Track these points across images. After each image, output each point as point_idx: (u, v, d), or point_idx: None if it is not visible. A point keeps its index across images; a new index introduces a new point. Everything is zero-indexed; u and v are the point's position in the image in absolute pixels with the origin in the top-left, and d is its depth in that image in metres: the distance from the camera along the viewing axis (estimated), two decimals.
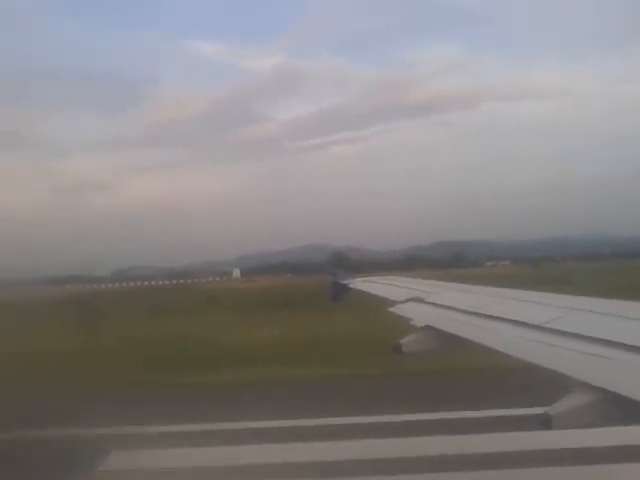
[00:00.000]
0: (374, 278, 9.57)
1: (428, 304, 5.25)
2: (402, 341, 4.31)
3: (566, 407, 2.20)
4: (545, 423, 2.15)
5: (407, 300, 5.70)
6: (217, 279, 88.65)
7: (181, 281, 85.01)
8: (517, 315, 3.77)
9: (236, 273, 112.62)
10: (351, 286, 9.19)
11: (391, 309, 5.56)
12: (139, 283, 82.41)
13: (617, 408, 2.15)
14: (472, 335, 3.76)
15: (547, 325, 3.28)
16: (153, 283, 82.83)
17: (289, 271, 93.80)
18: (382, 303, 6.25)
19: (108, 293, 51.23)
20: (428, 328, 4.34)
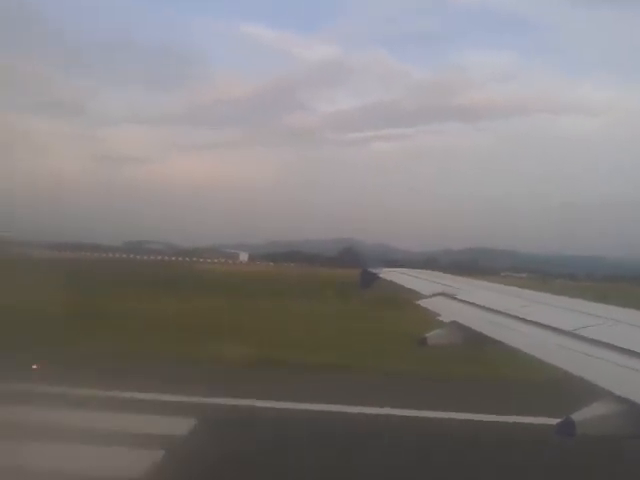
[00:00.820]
0: (404, 270, 9.51)
1: (456, 300, 5.22)
2: (427, 334, 4.31)
3: (590, 415, 2.17)
4: (568, 429, 2.13)
5: (435, 294, 5.67)
6: (221, 261, 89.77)
7: (187, 259, 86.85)
8: (546, 319, 3.72)
9: (243, 257, 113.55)
10: (381, 275, 9.15)
11: (419, 302, 5.53)
12: (145, 257, 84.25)
13: None
14: (498, 334, 3.73)
15: (576, 332, 3.23)
16: (159, 258, 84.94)
17: (301, 260, 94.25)
18: (410, 295, 6.22)
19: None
20: (454, 324, 4.32)
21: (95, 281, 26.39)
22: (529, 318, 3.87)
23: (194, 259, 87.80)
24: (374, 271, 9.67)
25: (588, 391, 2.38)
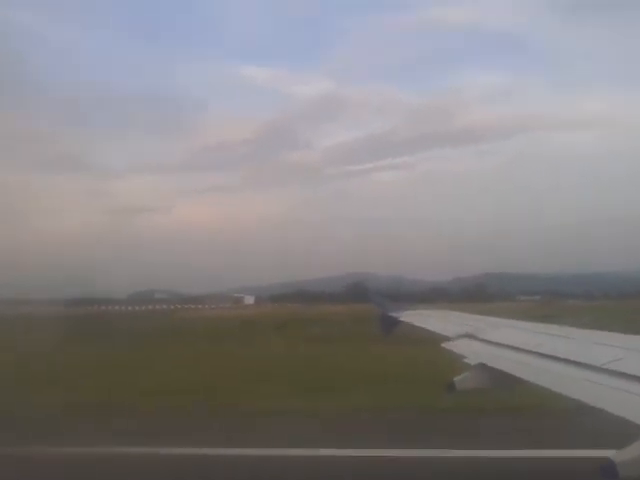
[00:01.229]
0: (425, 312, 9.45)
1: (482, 341, 5.17)
2: (455, 379, 4.27)
3: (632, 455, 2.14)
4: (609, 470, 2.09)
5: (460, 336, 5.63)
6: (225, 306, 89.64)
7: (192, 306, 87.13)
8: (574, 355, 3.68)
9: (248, 300, 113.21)
10: (401, 319, 9.10)
11: (443, 345, 5.50)
12: (150, 307, 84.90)
13: None
14: (527, 374, 3.70)
15: (607, 366, 3.19)
16: (164, 307, 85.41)
17: (305, 300, 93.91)
18: (434, 338, 6.18)
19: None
20: (481, 366, 4.28)
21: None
22: (557, 355, 3.83)
23: (199, 306, 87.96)
24: (395, 315, 9.61)
25: (626, 429, 2.35)
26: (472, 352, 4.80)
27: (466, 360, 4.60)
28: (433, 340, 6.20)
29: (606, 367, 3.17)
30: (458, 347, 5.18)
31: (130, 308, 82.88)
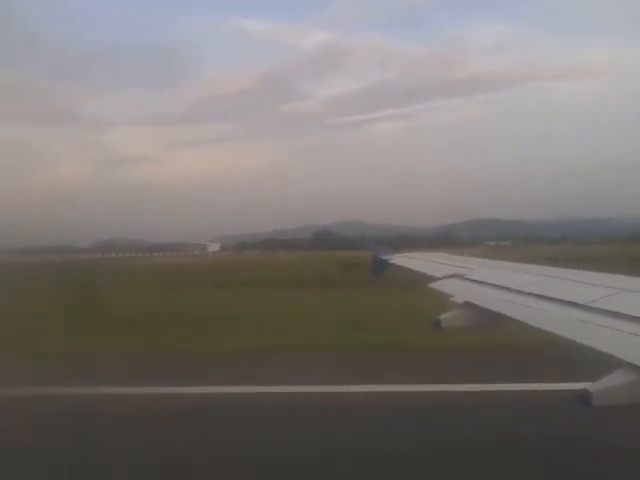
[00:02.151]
0: (414, 254, 9.54)
1: (468, 280, 5.23)
2: (441, 317, 4.33)
3: (607, 385, 2.20)
4: (584, 400, 2.16)
5: (447, 276, 5.69)
6: (187, 254, 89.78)
7: (153, 254, 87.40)
8: (560, 294, 3.72)
9: (213, 248, 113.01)
10: (392, 262, 9.20)
11: (431, 285, 5.56)
12: (114, 255, 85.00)
13: None
14: (513, 312, 3.75)
15: (592, 304, 3.23)
16: (127, 255, 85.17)
17: (278, 247, 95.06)
18: (423, 279, 6.25)
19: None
20: (468, 304, 4.34)
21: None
22: (543, 294, 3.87)
23: (160, 254, 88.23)
24: (385, 257, 9.72)
25: (605, 363, 2.41)
26: (459, 291, 4.86)
27: (453, 299, 4.66)
28: (421, 280, 6.28)
29: (592, 305, 3.22)
30: (445, 287, 5.24)
31: (93, 256, 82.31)
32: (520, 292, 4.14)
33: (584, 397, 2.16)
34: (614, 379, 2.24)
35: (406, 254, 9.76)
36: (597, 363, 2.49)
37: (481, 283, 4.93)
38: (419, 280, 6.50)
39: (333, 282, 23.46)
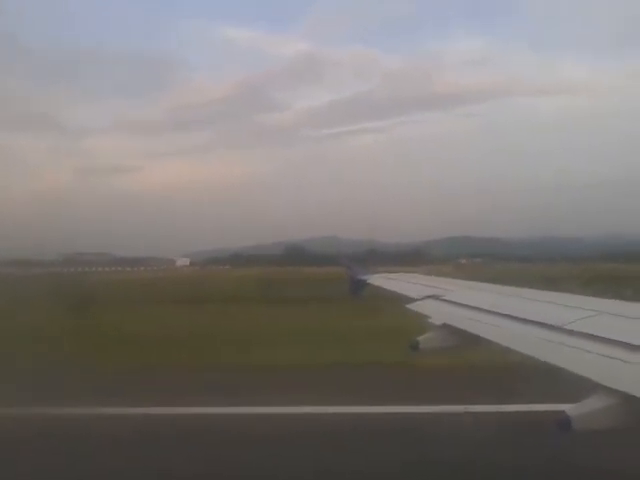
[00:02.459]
0: (391, 275, 9.57)
1: (445, 302, 5.25)
2: (419, 338, 4.32)
3: (586, 409, 2.20)
4: (563, 424, 2.15)
5: (425, 297, 5.70)
6: (154, 269, 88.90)
7: (119, 269, 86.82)
8: (536, 315, 3.75)
9: (181, 262, 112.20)
10: (369, 281, 9.20)
11: (409, 306, 5.56)
12: (80, 269, 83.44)
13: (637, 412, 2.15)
14: (490, 334, 3.76)
15: (567, 326, 3.26)
16: (93, 269, 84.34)
17: (239, 264, 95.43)
18: (401, 300, 6.25)
19: None
20: (446, 326, 4.34)
21: None
22: (518, 315, 3.90)
23: (127, 269, 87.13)
24: (363, 278, 9.72)
25: (583, 386, 2.42)
26: (436, 313, 4.86)
27: (430, 320, 4.66)
28: (398, 301, 6.27)
29: (567, 327, 3.25)
30: (422, 308, 5.24)
31: (59, 270, 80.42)
32: (497, 314, 4.17)
33: (564, 422, 2.15)
34: (592, 403, 2.24)
35: (383, 274, 9.78)
36: (573, 385, 2.50)
37: (458, 305, 4.95)
38: (397, 301, 6.50)
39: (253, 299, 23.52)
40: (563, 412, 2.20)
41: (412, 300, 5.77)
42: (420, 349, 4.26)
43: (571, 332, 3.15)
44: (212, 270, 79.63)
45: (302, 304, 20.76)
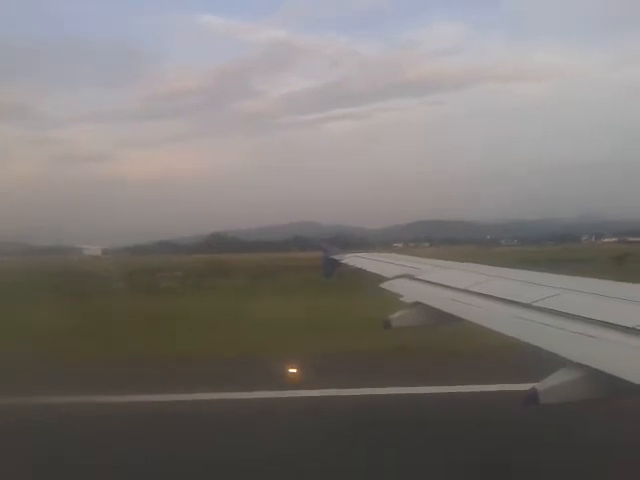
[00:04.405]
0: (365, 254, 9.60)
1: (418, 281, 5.28)
2: (391, 316, 4.35)
3: (553, 383, 2.24)
4: (532, 399, 2.19)
5: (398, 276, 5.73)
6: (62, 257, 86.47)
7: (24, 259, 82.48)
8: (506, 293, 3.80)
9: (91, 251, 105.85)
10: (343, 262, 9.22)
11: (382, 285, 5.58)
12: None
13: (603, 385, 2.19)
14: (461, 312, 3.80)
15: (535, 304, 3.30)
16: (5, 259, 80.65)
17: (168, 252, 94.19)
18: (374, 279, 6.27)
19: None
20: (418, 304, 4.37)
21: None
22: (488, 293, 3.95)
23: (29, 258, 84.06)
24: (336, 257, 9.73)
25: (551, 361, 2.45)
26: (408, 291, 4.89)
27: (403, 299, 4.69)
28: (371, 281, 6.30)
29: (536, 304, 3.29)
30: (395, 287, 5.27)
31: None
32: (467, 292, 4.21)
33: (532, 396, 2.18)
34: (559, 377, 2.28)
35: (356, 254, 9.80)
36: (542, 361, 2.54)
37: (430, 283, 4.99)
38: (371, 280, 6.52)
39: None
40: (532, 387, 2.23)
41: (384, 279, 5.81)
42: (392, 327, 4.29)
43: (539, 309, 3.20)
44: (117, 259, 74.31)
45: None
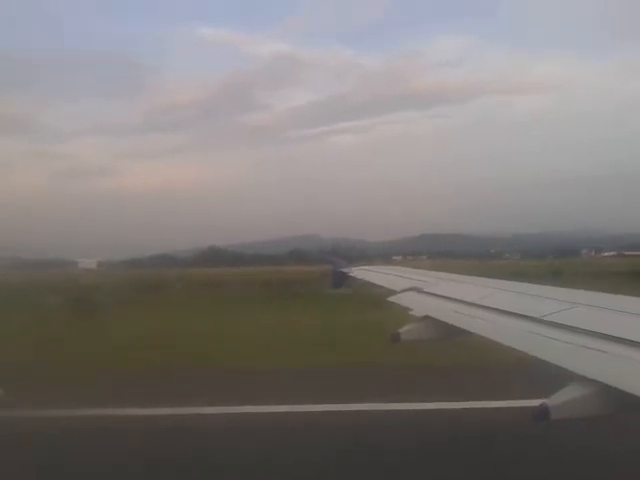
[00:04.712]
0: (372, 267, 9.61)
1: (427, 294, 5.28)
2: (400, 330, 4.35)
3: (564, 399, 2.23)
4: (542, 415, 2.18)
5: (406, 290, 5.73)
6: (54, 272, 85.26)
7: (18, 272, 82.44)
8: (516, 307, 3.79)
9: (86, 264, 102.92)
10: (351, 274, 9.24)
11: (390, 298, 5.58)
12: None
13: (614, 401, 2.19)
14: (470, 326, 3.79)
15: (545, 318, 3.29)
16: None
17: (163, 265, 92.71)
18: (382, 292, 6.27)
19: None
20: (427, 318, 4.37)
21: None
22: (498, 307, 3.94)
23: (25, 272, 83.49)
24: (345, 270, 9.76)
25: (561, 377, 2.45)
26: (417, 305, 4.89)
27: (412, 312, 4.68)
28: (380, 294, 6.30)
29: (547, 319, 3.28)
30: (404, 300, 5.27)
31: None
32: (476, 305, 4.20)
33: (542, 412, 2.18)
34: (569, 393, 2.27)
35: (365, 267, 9.82)
36: (552, 376, 2.53)
37: (439, 297, 4.98)
38: (379, 293, 6.52)
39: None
40: (542, 402, 2.22)
41: (393, 292, 5.80)
42: (401, 341, 4.28)
43: (550, 323, 3.19)
44: (110, 273, 72.13)
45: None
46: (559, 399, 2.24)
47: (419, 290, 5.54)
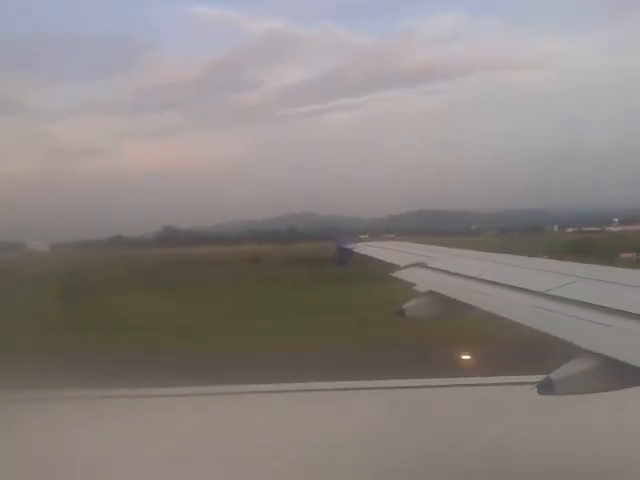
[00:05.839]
0: (376, 243, 9.56)
1: (430, 269, 5.24)
2: (405, 305, 4.33)
3: (568, 373, 2.23)
4: (547, 389, 2.17)
5: (410, 265, 5.69)
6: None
7: None
8: (518, 281, 3.77)
9: (35, 247, 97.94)
10: (356, 251, 9.20)
11: (395, 274, 5.55)
12: None
13: (618, 374, 2.18)
14: (474, 300, 3.77)
15: (549, 292, 3.27)
16: None
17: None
18: (386, 268, 6.24)
19: None
20: (431, 293, 4.35)
21: None
22: (501, 281, 3.91)
23: None
24: (349, 247, 9.71)
25: (563, 349, 2.44)
26: (421, 280, 4.86)
27: (416, 288, 4.66)
28: (385, 269, 6.27)
29: (548, 293, 3.26)
30: (408, 276, 5.24)
31: None
32: (481, 280, 4.17)
33: (547, 385, 2.17)
34: (574, 366, 2.26)
35: (368, 243, 9.77)
36: (557, 350, 2.52)
37: (443, 272, 4.95)
38: (382, 269, 6.49)
39: None
40: (546, 376, 2.22)
41: (397, 268, 5.77)
42: (406, 316, 4.27)
43: (554, 297, 3.16)
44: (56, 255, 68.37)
45: None
46: (563, 373, 2.24)
47: (423, 265, 5.50)
